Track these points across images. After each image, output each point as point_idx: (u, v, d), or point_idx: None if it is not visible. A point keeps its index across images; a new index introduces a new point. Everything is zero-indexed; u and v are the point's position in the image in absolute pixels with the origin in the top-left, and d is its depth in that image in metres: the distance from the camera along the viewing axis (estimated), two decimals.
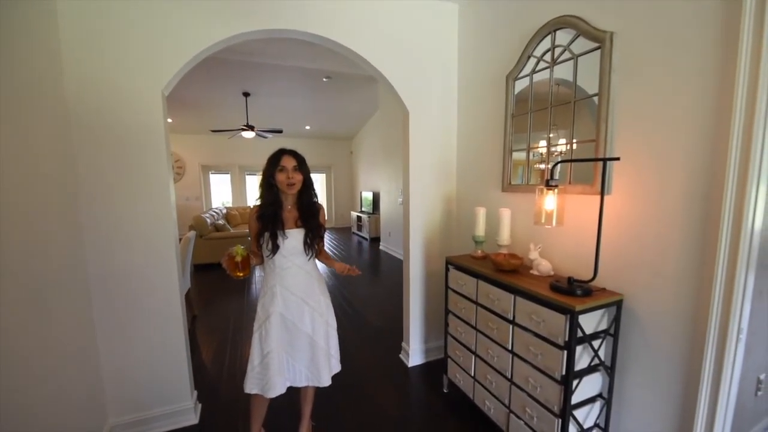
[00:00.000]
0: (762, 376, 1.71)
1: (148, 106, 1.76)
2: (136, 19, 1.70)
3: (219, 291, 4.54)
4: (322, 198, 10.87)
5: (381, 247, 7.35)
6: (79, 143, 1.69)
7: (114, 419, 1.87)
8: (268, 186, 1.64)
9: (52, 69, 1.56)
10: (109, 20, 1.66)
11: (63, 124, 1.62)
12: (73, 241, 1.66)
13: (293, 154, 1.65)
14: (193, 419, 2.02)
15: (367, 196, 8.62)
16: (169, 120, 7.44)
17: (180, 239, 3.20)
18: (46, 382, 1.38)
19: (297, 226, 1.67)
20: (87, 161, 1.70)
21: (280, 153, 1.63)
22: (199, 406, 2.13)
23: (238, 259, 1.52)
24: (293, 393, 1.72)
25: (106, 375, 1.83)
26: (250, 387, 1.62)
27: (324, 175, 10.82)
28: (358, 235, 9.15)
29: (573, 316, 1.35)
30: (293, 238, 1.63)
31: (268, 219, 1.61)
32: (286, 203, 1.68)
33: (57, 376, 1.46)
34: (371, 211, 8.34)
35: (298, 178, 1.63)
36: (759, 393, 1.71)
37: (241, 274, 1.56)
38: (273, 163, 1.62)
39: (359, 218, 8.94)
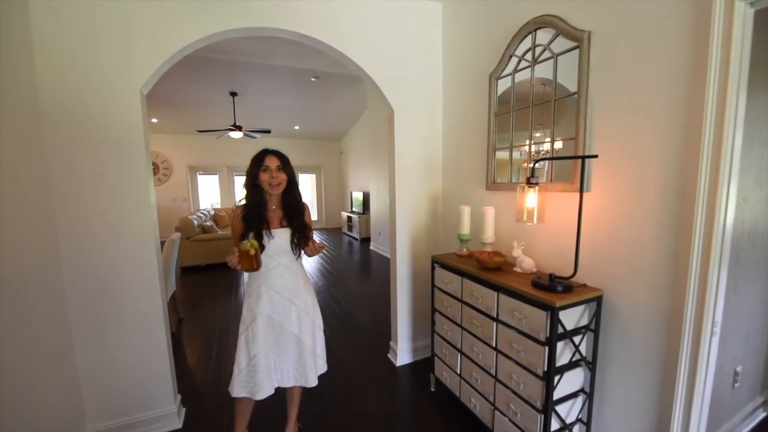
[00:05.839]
0: (739, 369, 1.75)
1: (126, 104, 1.72)
2: (112, 16, 1.66)
3: (206, 293, 4.48)
4: (312, 198, 10.80)
5: (371, 247, 7.33)
6: (53, 143, 1.64)
7: (93, 425, 1.82)
8: (253, 186, 1.63)
9: (23, 68, 1.52)
10: (83, 18, 1.62)
11: (34, 125, 1.58)
12: (48, 241, 1.62)
13: (277, 154, 1.64)
14: (177, 424, 1.98)
15: (358, 196, 8.60)
16: (155, 120, 7.42)
17: (164, 242, 3.17)
18: (19, 387, 1.34)
19: (282, 226, 1.66)
20: (61, 162, 1.66)
21: (264, 153, 1.63)
22: (183, 410, 2.09)
23: (252, 252, 1.49)
24: (279, 394, 1.71)
25: (84, 379, 1.79)
26: (238, 390, 1.60)
27: (314, 175, 10.74)
28: (348, 235, 9.11)
29: (553, 312, 1.36)
30: (279, 238, 1.63)
31: (253, 219, 1.60)
32: (270, 203, 1.67)
33: (30, 378, 1.41)
34: (361, 211, 8.32)
35: (282, 177, 1.63)
36: (736, 385, 1.75)
37: (257, 267, 1.53)
38: (257, 163, 1.61)
39: (350, 218, 8.91)
